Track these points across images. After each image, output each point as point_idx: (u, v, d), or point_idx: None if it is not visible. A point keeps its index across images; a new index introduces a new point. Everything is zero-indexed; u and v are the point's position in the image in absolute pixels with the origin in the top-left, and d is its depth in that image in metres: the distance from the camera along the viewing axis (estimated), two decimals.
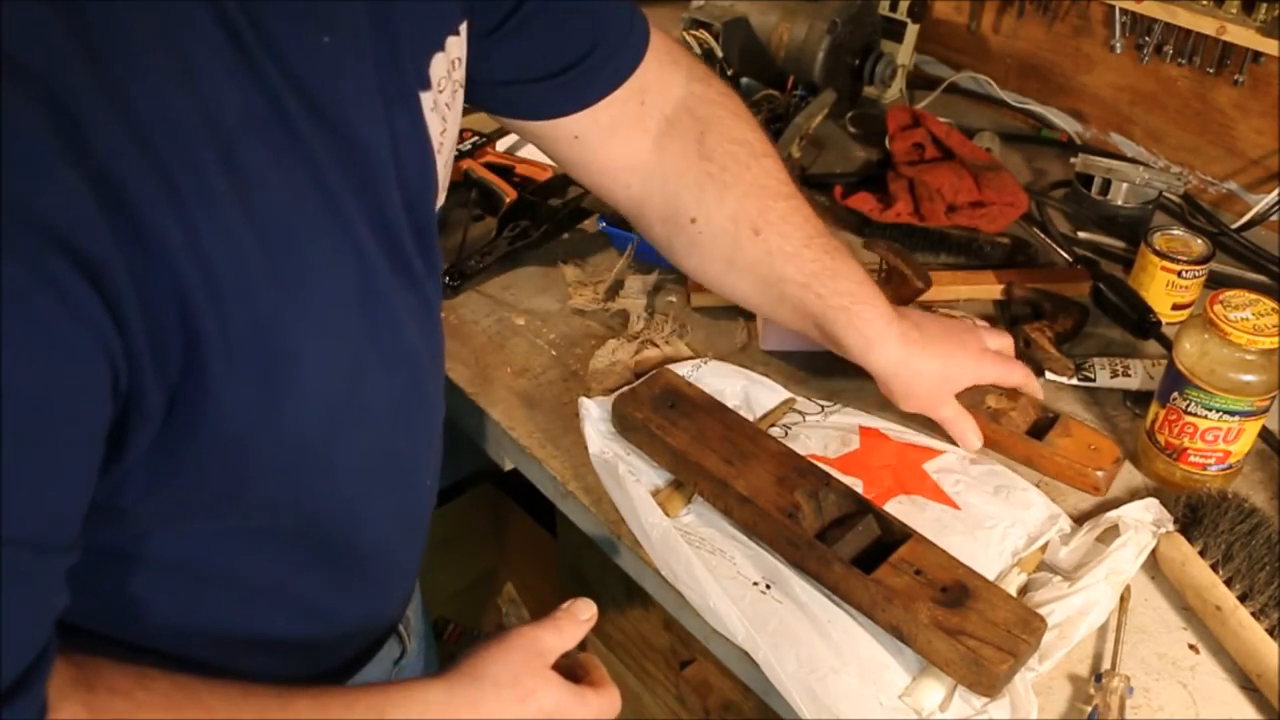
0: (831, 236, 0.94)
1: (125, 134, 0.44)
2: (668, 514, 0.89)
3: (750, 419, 0.98)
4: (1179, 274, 1.13)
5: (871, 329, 0.91)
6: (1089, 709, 0.77)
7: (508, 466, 1.07)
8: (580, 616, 0.75)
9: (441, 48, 0.66)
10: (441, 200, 0.71)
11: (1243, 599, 0.82)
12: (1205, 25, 1.29)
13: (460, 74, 0.70)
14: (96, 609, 0.60)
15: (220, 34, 0.48)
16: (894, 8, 1.57)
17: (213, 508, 0.59)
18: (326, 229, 0.55)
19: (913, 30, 1.58)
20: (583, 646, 1.21)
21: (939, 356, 0.94)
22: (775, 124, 1.43)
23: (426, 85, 0.65)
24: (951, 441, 0.98)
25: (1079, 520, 0.91)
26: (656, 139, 0.91)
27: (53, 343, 0.43)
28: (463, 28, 0.70)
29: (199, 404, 0.51)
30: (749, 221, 0.90)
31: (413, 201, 0.63)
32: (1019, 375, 0.99)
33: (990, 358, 0.98)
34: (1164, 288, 1.14)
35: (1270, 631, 0.80)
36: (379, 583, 0.77)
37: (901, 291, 1.02)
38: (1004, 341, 1.02)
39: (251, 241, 0.50)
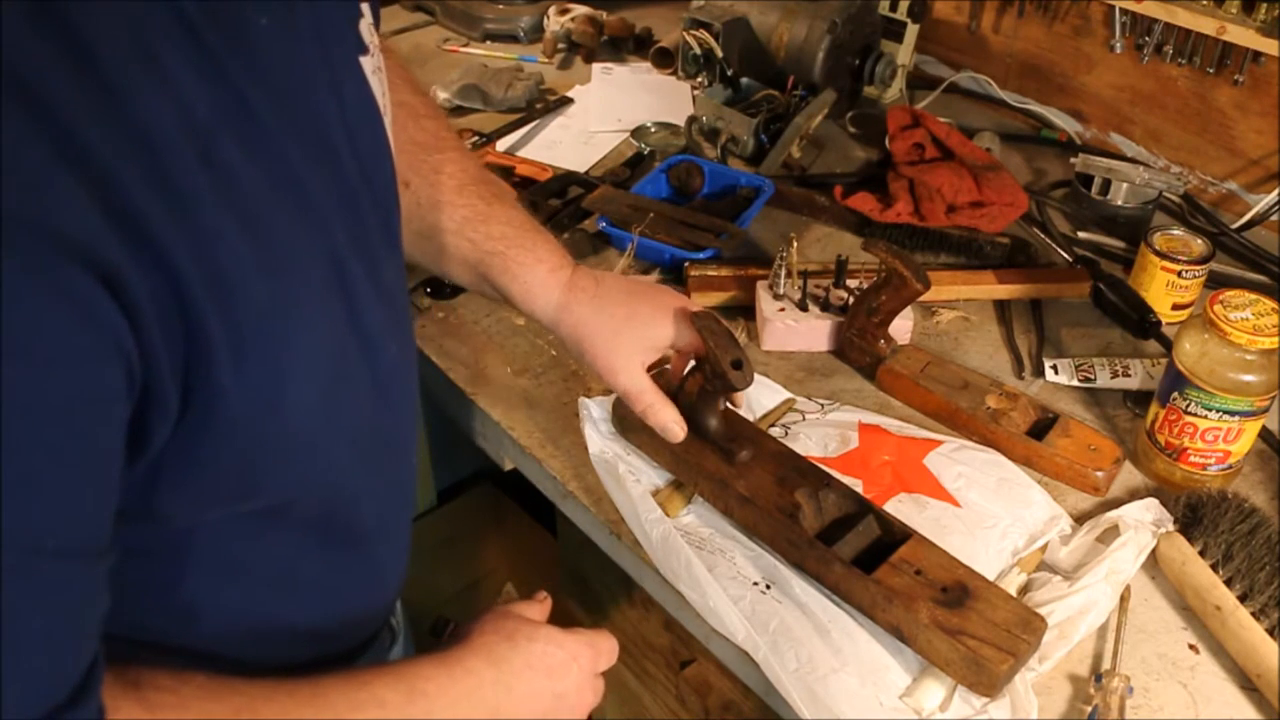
0: (497, 185, 0.88)
1: (120, 136, 0.45)
2: (668, 514, 0.89)
3: (750, 419, 0.98)
4: (1179, 274, 1.13)
5: (531, 274, 0.86)
6: (1089, 709, 0.77)
7: (508, 466, 1.07)
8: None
9: (360, 13, 0.66)
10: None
11: (1243, 599, 0.82)
12: (1205, 25, 1.29)
13: (377, 39, 0.70)
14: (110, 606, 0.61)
15: (180, 30, 0.48)
16: (894, 8, 1.57)
17: (228, 499, 0.60)
18: (299, 214, 0.55)
19: (913, 30, 1.58)
20: None
21: (616, 314, 0.87)
22: (775, 124, 1.43)
23: (365, 49, 0.64)
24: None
25: (1079, 520, 0.91)
26: None
27: (75, 355, 0.44)
28: None
29: (210, 398, 0.52)
30: (398, 176, 0.84)
31: (368, 171, 0.63)
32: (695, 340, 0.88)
33: (681, 315, 0.88)
34: (1164, 288, 1.14)
35: (1270, 631, 0.80)
36: (377, 564, 0.77)
37: (901, 292, 1.02)
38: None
39: (238, 236, 0.51)
